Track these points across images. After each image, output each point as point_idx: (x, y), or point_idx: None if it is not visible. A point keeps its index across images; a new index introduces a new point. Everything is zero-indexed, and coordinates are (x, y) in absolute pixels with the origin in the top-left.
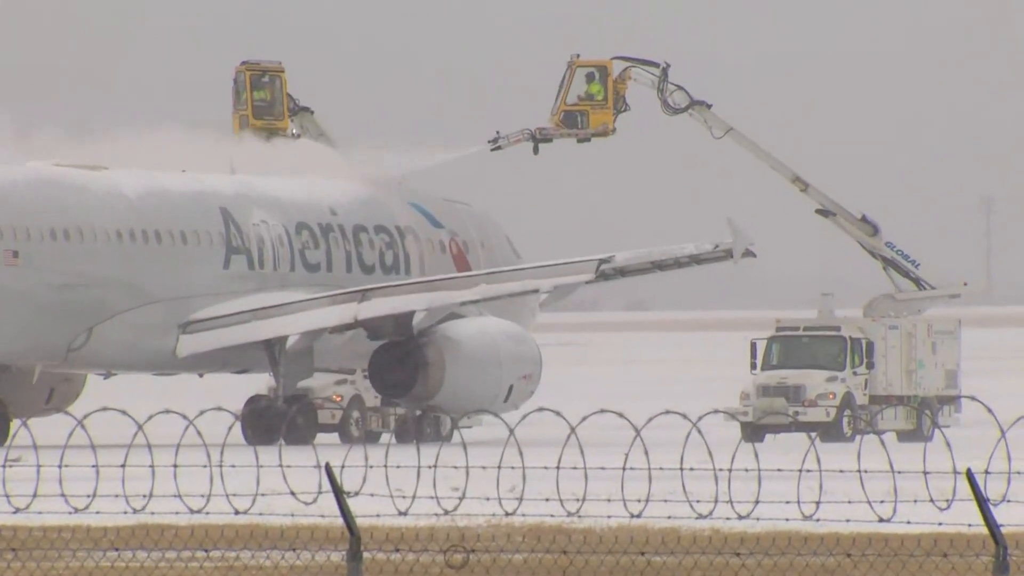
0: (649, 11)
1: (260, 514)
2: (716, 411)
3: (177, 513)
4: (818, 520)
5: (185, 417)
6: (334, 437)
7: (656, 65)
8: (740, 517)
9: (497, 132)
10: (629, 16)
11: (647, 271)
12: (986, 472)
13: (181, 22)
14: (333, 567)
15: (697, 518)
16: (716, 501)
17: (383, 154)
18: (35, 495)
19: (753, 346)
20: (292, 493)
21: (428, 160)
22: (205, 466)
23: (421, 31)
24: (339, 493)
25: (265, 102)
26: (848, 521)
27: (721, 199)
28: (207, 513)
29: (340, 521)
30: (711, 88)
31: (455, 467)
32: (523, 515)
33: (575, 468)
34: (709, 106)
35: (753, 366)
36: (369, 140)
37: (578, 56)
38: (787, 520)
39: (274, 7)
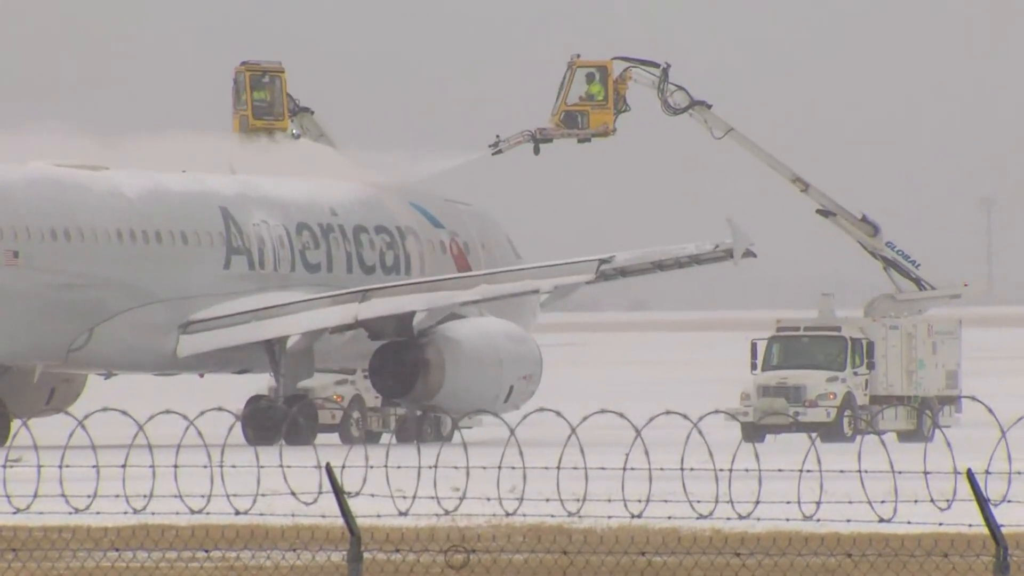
0: (650, 11)
1: (261, 514)
2: (717, 411)
3: (178, 513)
4: (818, 520)
5: (185, 417)
6: (334, 437)
7: (656, 65)
8: (741, 517)
9: (497, 136)
10: (629, 16)
11: (647, 271)
12: (986, 472)
13: (181, 22)
14: (334, 567)
15: (698, 518)
16: (716, 501)
17: (385, 162)
18: (36, 495)
19: (754, 346)
20: (293, 493)
21: (429, 168)
22: (206, 466)
23: (420, 31)
24: (339, 493)
25: (265, 102)
26: (849, 521)
27: (721, 199)
28: (208, 513)
29: (341, 521)
30: (711, 88)
31: (455, 467)
32: (523, 515)
33: (575, 468)
34: (709, 106)
35: (754, 366)
36: (372, 147)
37: (578, 56)
38: (788, 520)
39: (274, 8)
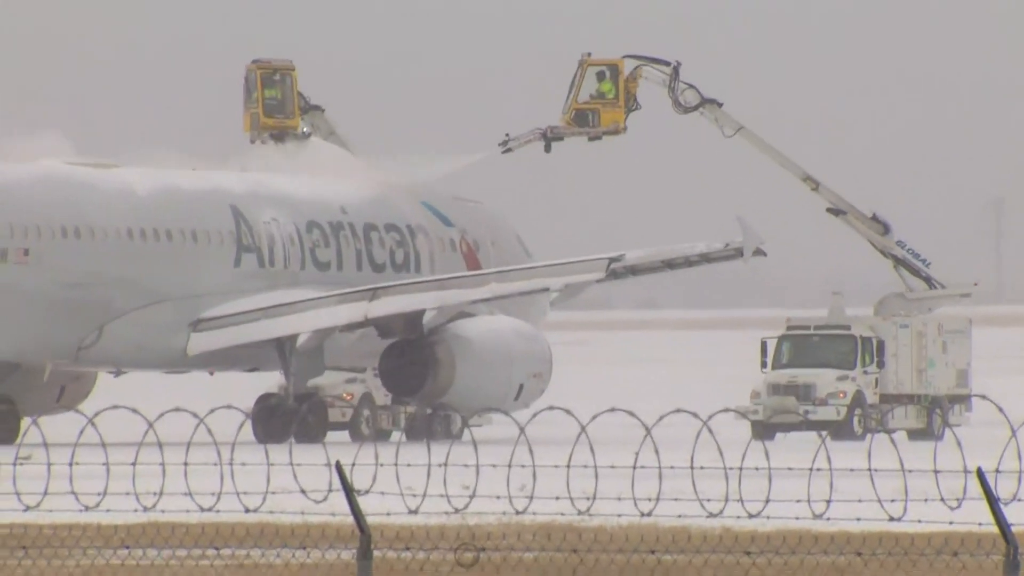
0: (660, 10)
1: (270, 512)
2: (727, 410)
3: (187, 511)
4: (828, 519)
5: (196, 415)
6: (345, 435)
7: (667, 64)
8: (750, 516)
9: (507, 135)
10: (640, 15)
11: (658, 270)
12: (997, 471)
13: (192, 20)
14: (343, 565)
15: (708, 517)
16: (727, 500)
17: (396, 161)
18: (46, 493)
19: (764, 345)
20: (302, 491)
21: (440, 167)
22: (216, 464)
23: (431, 29)
24: (349, 491)
25: (276, 100)
26: (858, 520)
27: (731, 198)
28: (217, 511)
29: (350, 519)
30: (722, 87)
31: (466, 465)
32: (534, 513)
33: (585, 467)
34: (720, 105)
35: (764, 365)
36: (383, 146)
37: (590, 55)
38: (797, 519)
39: (285, 6)
